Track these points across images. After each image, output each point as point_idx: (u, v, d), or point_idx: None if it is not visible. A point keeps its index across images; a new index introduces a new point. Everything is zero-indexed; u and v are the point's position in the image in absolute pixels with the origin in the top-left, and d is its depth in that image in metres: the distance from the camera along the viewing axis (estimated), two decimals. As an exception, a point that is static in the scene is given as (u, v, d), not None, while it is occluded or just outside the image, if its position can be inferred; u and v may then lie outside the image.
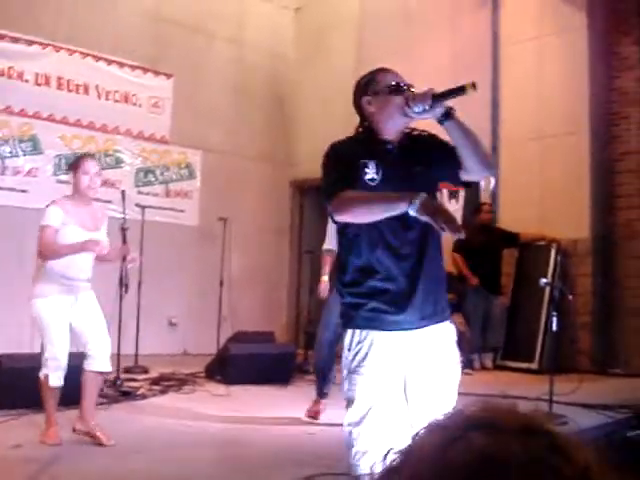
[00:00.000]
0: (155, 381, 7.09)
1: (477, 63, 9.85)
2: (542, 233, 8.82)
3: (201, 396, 6.67)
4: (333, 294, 5.84)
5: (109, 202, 7.33)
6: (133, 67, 9.57)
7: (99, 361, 4.75)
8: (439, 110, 2.62)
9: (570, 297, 7.18)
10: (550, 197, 8.86)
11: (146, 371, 7.59)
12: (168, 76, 9.90)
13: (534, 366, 8.39)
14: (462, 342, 8.65)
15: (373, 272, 2.67)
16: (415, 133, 2.86)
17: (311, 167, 10.13)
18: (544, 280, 7.83)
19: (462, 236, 2.51)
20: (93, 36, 9.15)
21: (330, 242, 5.87)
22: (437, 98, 2.60)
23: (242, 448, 4.87)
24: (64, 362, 4.63)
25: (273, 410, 6.04)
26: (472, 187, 3.14)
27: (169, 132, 9.88)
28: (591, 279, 8.54)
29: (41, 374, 4.63)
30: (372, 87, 2.85)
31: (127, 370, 7.26)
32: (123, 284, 5.59)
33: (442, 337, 2.73)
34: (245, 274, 9.99)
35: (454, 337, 2.80)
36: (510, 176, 9.45)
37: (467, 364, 8.52)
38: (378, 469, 0.78)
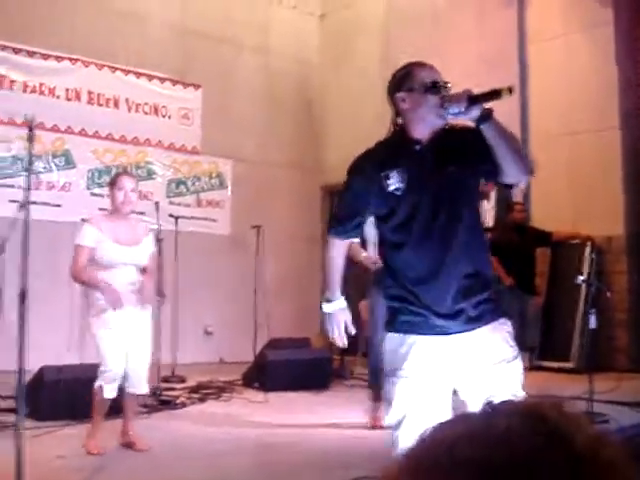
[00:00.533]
0: (194, 389, 7.15)
1: (504, 61, 9.83)
2: (576, 231, 8.75)
3: (239, 403, 6.71)
4: (375, 296, 5.94)
5: (142, 214, 7.39)
6: (162, 79, 9.66)
7: (136, 383, 4.86)
8: (475, 112, 2.50)
9: (608, 294, 7.13)
10: (583, 194, 8.79)
11: (184, 380, 7.64)
12: (196, 87, 9.98)
13: (571, 365, 8.32)
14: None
15: (407, 277, 2.67)
16: (449, 127, 2.71)
17: (341, 173, 10.15)
18: (581, 277, 7.77)
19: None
20: (122, 50, 9.26)
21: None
22: (473, 101, 2.50)
23: (286, 453, 4.88)
24: (119, 374, 4.73)
25: (313, 415, 6.07)
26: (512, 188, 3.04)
27: (199, 142, 9.96)
28: (627, 276, 8.45)
29: (96, 385, 4.71)
30: (407, 83, 2.71)
31: (165, 379, 7.32)
32: (160, 294, 5.65)
33: (491, 338, 2.66)
34: (278, 281, 10.02)
35: (506, 335, 2.72)
36: (541, 174, 9.27)
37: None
38: None
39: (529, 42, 9.79)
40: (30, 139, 3.65)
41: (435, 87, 2.63)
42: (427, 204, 2.64)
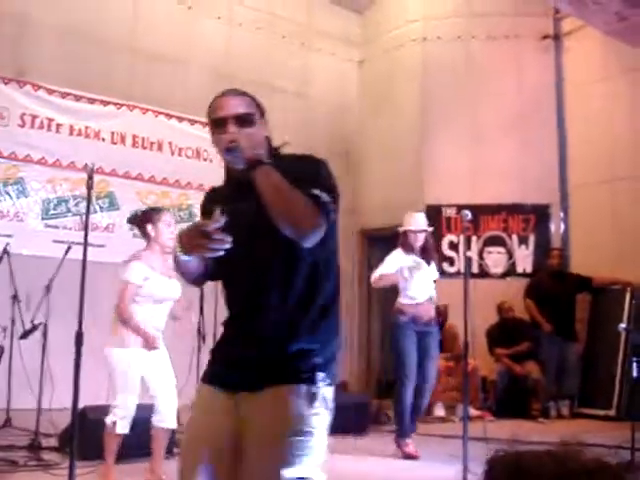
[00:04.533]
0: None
1: (543, 107, 9.91)
2: (615, 277, 8.70)
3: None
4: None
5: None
6: (203, 124, 9.80)
7: (167, 418, 4.89)
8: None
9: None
10: (622, 240, 8.75)
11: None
12: (236, 131, 10.13)
13: (612, 413, 8.22)
14: (537, 390, 8.59)
15: None
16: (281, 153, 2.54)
17: (378, 216, 10.25)
18: (623, 325, 7.72)
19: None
20: (165, 95, 9.45)
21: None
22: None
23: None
24: (132, 411, 4.77)
25: (352, 460, 6.06)
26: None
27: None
28: (668, 323, 8.36)
29: (108, 420, 4.75)
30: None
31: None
32: (201, 335, 5.71)
33: None
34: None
35: None
36: (581, 219, 9.40)
37: (543, 412, 8.41)
38: None
39: (567, 87, 9.86)
40: (89, 187, 3.78)
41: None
42: None
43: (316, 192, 2.25)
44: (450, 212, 9.85)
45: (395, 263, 6.49)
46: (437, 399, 8.68)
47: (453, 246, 9.91)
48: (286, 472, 2.16)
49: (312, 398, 2.26)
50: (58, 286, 6.59)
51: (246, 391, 2.29)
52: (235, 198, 2.38)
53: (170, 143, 9.47)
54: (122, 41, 9.19)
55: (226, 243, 2.15)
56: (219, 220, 2.15)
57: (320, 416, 2.28)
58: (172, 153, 9.50)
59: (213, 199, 2.52)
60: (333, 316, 2.43)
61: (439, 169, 10.02)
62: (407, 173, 10.31)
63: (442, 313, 9.04)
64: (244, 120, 2.43)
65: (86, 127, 8.87)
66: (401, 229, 6.59)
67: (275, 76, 10.62)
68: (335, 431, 6.55)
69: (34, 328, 6.48)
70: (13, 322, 6.81)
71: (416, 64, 10.73)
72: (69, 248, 6.44)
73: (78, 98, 8.87)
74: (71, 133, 8.77)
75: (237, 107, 2.46)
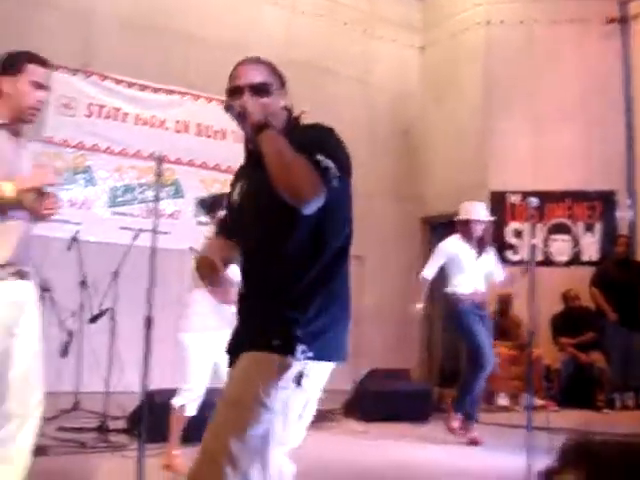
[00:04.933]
0: (294, 417, 7.21)
1: (608, 91, 9.71)
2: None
3: (340, 432, 6.75)
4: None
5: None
6: (266, 111, 9.89)
7: None
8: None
9: None
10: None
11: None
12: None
13: (680, 404, 8.06)
14: (602, 380, 8.45)
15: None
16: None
17: (441, 204, 10.18)
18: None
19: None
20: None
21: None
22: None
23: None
24: (201, 394, 4.86)
25: (414, 447, 6.09)
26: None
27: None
28: None
29: (177, 403, 4.85)
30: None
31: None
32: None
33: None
34: (378, 312, 10.03)
35: None
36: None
37: (607, 403, 8.28)
38: None
39: (634, 71, 9.63)
40: (158, 174, 3.86)
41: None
42: None
43: (319, 158, 2.17)
44: (515, 199, 9.73)
45: (448, 251, 6.49)
46: (500, 388, 8.62)
47: (517, 234, 9.79)
48: (229, 441, 2.11)
49: (281, 370, 2.13)
50: (125, 272, 6.73)
51: (233, 357, 2.29)
52: (251, 172, 2.41)
53: (233, 131, 9.54)
54: (184, 30, 9.28)
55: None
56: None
57: (288, 392, 2.15)
58: (235, 141, 9.57)
59: (238, 175, 2.58)
60: (333, 290, 2.29)
61: (503, 154, 9.90)
62: (471, 159, 10.22)
63: (505, 301, 8.97)
64: (260, 90, 2.43)
65: (151, 116, 9.01)
66: (462, 217, 6.57)
67: (336, 63, 10.62)
68: (397, 419, 6.60)
69: (102, 313, 6.63)
70: (82, 307, 6.98)
71: (479, 48, 10.60)
72: (137, 235, 6.56)
73: (143, 88, 9.00)
74: (137, 122, 8.92)
75: (254, 76, 2.46)
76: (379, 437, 6.51)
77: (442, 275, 6.65)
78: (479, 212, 6.54)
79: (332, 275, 2.29)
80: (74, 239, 7.03)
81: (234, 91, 2.44)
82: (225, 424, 2.15)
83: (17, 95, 3.16)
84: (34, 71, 3.20)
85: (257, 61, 2.55)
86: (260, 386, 2.12)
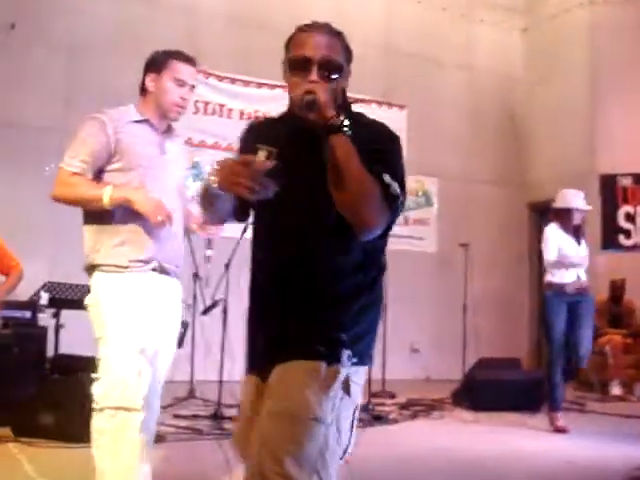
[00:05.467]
0: (404, 406, 7.24)
1: None
2: None
3: (450, 422, 6.72)
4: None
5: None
6: (368, 101, 9.89)
7: None
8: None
9: None
10: None
11: (393, 396, 7.75)
12: (401, 107, 10.15)
13: None
14: None
15: None
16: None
17: (548, 189, 9.98)
18: None
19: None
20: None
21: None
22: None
23: (504, 474, 4.84)
24: None
25: (526, 437, 6.01)
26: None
27: (405, 162, 10.06)
28: None
29: None
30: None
31: (375, 395, 7.43)
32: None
33: None
34: (486, 300, 9.90)
35: None
36: None
37: None
38: None
39: None
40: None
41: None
42: None
43: (387, 180, 1.95)
44: (626, 182, 9.44)
45: (557, 242, 6.42)
46: (613, 377, 8.41)
47: (630, 218, 9.49)
48: (285, 462, 1.86)
49: (329, 379, 1.95)
50: (236, 264, 6.85)
51: (267, 365, 2.03)
52: (289, 144, 1.99)
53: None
54: (286, 24, 9.35)
55: (270, 191, 1.84)
56: (267, 162, 1.83)
57: (337, 401, 1.96)
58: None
59: (259, 133, 2.23)
60: (374, 291, 2.10)
61: (612, 137, 9.60)
62: (578, 142, 9.96)
63: (619, 287, 8.73)
64: (332, 69, 2.03)
65: (255, 111, 9.16)
66: (562, 206, 6.47)
67: (438, 49, 10.55)
68: (508, 408, 6.54)
69: (215, 304, 6.79)
70: (195, 299, 7.15)
71: (584, 29, 10.32)
72: (246, 228, 6.66)
73: (246, 83, 9.17)
74: (241, 117, 9.10)
75: (329, 50, 2.03)
76: (489, 426, 6.45)
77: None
78: (577, 201, 6.46)
79: (374, 274, 2.12)
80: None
81: (300, 63, 2.03)
82: (278, 442, 1.90)
83: (160, 92, 3.20)
84: (177, 68, 3.24)
85: (331, 31, 2.07)
86: (311, 398, 1.92)
